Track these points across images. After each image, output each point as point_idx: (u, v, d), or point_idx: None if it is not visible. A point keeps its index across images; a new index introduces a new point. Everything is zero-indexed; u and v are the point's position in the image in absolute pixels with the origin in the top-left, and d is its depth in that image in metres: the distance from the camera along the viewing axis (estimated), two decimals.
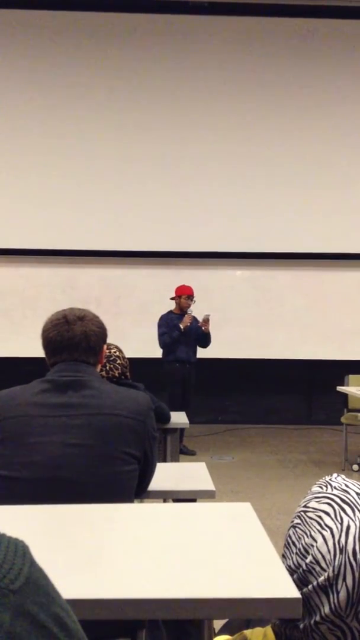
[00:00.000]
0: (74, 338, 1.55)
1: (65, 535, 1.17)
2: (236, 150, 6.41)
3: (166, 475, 1.78)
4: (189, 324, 5.14)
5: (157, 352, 5.48)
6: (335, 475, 0.91)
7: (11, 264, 6.37)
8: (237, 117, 6.41)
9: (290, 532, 0.88)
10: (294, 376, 6.71)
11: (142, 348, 5.66)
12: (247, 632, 0.90)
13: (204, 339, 5.27)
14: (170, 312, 5.33)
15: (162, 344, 5.22)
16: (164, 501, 2.05)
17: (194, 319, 5.21)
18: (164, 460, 2.89)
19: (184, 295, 5.27)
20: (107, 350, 2.46)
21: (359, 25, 6.44)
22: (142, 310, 6.35)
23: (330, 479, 0.90)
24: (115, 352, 2.55)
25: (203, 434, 5.29)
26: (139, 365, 3.59)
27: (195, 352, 5.30)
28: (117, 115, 6.37)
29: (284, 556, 0.90)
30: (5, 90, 6.35)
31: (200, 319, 5.22)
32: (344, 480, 0.88)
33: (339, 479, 0.89)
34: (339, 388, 5.03)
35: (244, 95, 6.42)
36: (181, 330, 5.12)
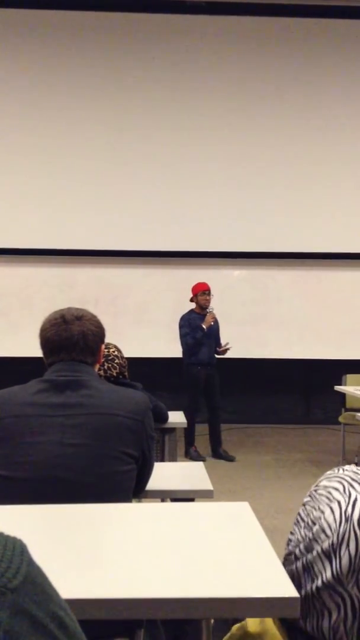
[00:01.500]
0: (72, 338, 1.55)
1: (63, 534, 1.16)
2: (234, 150, 6.41)
3: (164, 474, 1.78)
4: (212, 323, 5.04)
5: (155, 352, 5.49)
6: (351, 465, 0.94)
7: (9, 264, 6.37)
8: (235, 117, 6.41)
9: (300, 510, 0.91)
10: (291, 376, 6.72)
11: (140, 348, 5.67)
12: (244, 622, 0.92)
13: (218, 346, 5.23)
14: (192, 311, 5.20)
15: (185, 346, 5.10)
16: (162, 501, 2.04)
17: (215, 320, 5.13)
18: (162, 459, 2.89)
19: (200, 291, 5.15)
20: (105, 350, 2.46)
21: (358, 25, 6.45)
22: (140, 310, 6.35)
23: (342, 467, 0.94)
24: (113, 351, 2.55)
25: (200, 433, 5.29)
26: (137, 364, 3.59)
27: (214, 354, 5.23)
28: (115, 115, 6.37)
29: (291, 532, 0.92)
30: (3, 90, 6.34)
31: (219, 317, 5.14)
32: (356, 467, 0.92)
33: (351, 466, 0.93)
34: (337, 387, 5.03)
35: (242, 95, 6.43)
36: (204, 331, 5.01)
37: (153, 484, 1.64)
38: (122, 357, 2.58)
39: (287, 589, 0.89)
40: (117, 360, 2.53)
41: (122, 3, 6.31)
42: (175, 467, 2.08)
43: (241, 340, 6.20)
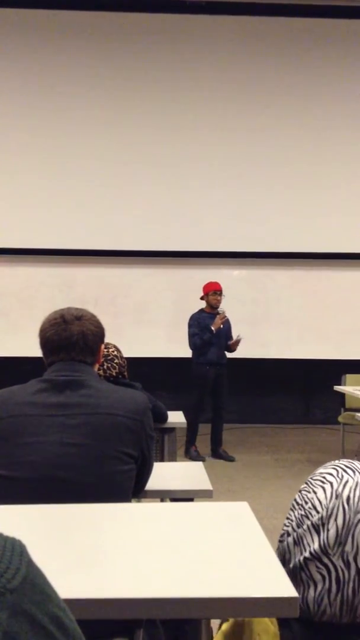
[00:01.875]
0: (72, 337, 1.55)
1: (62, 534, 1.16)
2: (233, 150, 6.41)
3: (163, 474, 1.78)
4: (221, 326, 4.99)
5: (154, 352, 5.49)
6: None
7: (8, 264, 6.37)
8: (234, 117, 6.41)
9: (296, 496, 0.98)
10: (291, 376, 6.72)
11: (140, 347, 5.67)
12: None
13: (229, 346, 5.17)
14: (202, 310, 5.16)
15: (193, 346, 5.06)
16: (161, 501, 2.05)
17: (227, 319, 5.08)
18: (162, 459, 2.89)
19: (211, 291, 5.09)
20: (105, 350, 2.46)
21: (357, 26, 6.45)
22: (140, 310, 6.35)
23: (340, 460, 1.00)
24: (112, 351, 2.55)
25: (200, 433, 5.29)
26: (137, 364, 3.59)
27: (225, 353, 5.19)
28: (115, 114, 6.36)
29: (287, 518, 0.99)
30: (2, 89, 6.33)
31: (231, 318, 5.10)
32: (353, 460, 0.99)
33: (348, 459, 0.99)
34: (336, 387, 5.03)
35: (242, 95, 6.42)
36: (213, 333, 4.97)
37: (152, 483, 1.64)
38: (122, 357, 2.58)
39: (286, 589, 0.89)
40: (116, 360, 2.53)
41: (121, 3, 6.30)
42: (174, 467, 2.08)
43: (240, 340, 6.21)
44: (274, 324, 6.43)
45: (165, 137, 6.37)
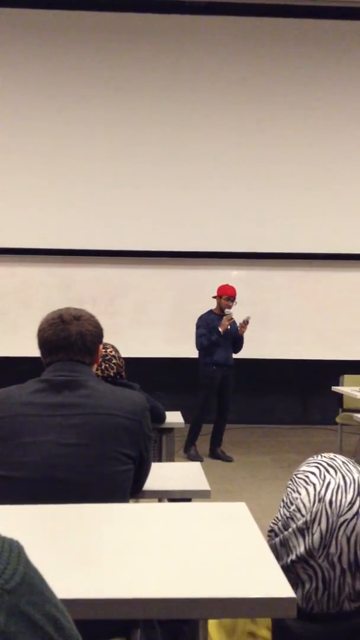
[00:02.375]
0: (70, 338, 1.55)
1: (60, 535, 1.16)
2: (232, 151, 6.41)
3: (161, 475, 1.78)
4: (228, 327, 4.98)
5: (152, 352, 5.48)
6: (329, 453, 1.05)
7: (7, 264, 6.36)
8: (233, 118, 6.42)
9: (284, 494, 1.02)
10: (289, 376, 6.72)
11: (138, 347, 5.67)
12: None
13: (236, 344, 5.14)
14: (211, 311, 5.14)
15: (200, 347, 5.05)
16: (159, 501, 2.05)
17: (233, 321, 5.07)
18: (159, 460, 2.89)
19: (225, 296, 5.07)
20: (103, 350, 2.46)
21: (356, 26, 6.46)
22: (138, 310, 6.35)
23: (322, 454, 1.05)
24: (111, 351, 2.55)
25: (202, 432, 5.30)
26: (135, 364, 3.59)
27: (232, 354, 5.18)
28: (114, 114, 6.36)
29: (276, 517, 1.04)
30: (1, 89, 6.33)
31: (237, 320, 5.07)
32: (335, 455, 1.04)
33: (330, 454, 1.04)
34: (334, 388, 5.04)
35: (240, 96, 6.43)
36: (220, 334, 4.96)
37: (150, 484, 1.64)
38: (120, 357, 2.58)
39: (283, 590, 0.90)
40: (114, 361, 2.53)
41: (120, 3, 6.30)
42: (172, 468, 2.08)
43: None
44: (272, 325, 6.43)
45: (164, 138, 6.37)
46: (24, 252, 6.29)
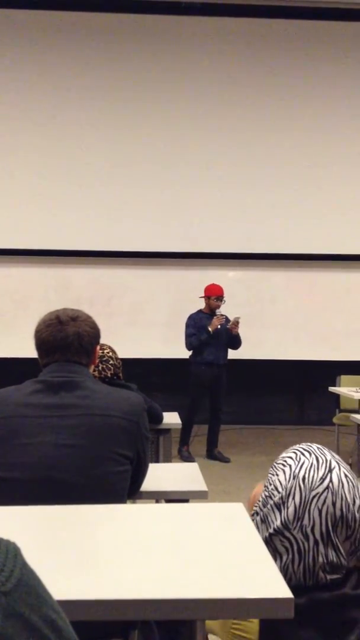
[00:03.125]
0: (67, 338, 1.54)
1: (57, 536, 1.16)
2: (229, 152, 6.42)
3: (158, 475, 1.78)
4: (218, 326, 4.96)
5: (149, 352, 5.48)
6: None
7: (3, 264, 6.35)
8: (230, 118, 6.42)
9: (265, 481, 1.10)
10: (286, 377, 6.72)
11: (135, 348, 5.66)
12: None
13: (233, 342, 5.11)
14: (200, 311, 5.14)
15: (189, 346, 5.04)
16: (157, 502, 2.04)
17: (225, 319, 5.03)
18: (157, 460, 2.88)
19: (213, 296, 5.08)
20: (100, 351, 2.46)
21: (355, 27, 6.47)
22: (135, 311, 6.35)
23: (301, 444, 1.12)
24: (108, 352, 2.55)
25: (196, 434, 5.30)
26: (132, 365, 3.59)
27: (225, 354, 5.14)
28: (111, 115, 6.36)
29: (258, 500, 1.10)
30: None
31: (231, 318, 5.05)
32: (312, 443, 1.11)
33: (307, 443, 1.11)
34: (331, 389, 5.04)
35: (239, 96, 6.43)
36: (210, 333, 4.95)
37: (147, 485, 1.64)
38: (117, 358, 2.58)
39: (281, 590, 0.90)
40: (111, 361, 2.53)
41: (117, 5, 6.31)
42: (169, 468, 2.08)
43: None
44: (269, 325, 6.43)
45: (161, 139, 6.37)
46: (20, 252, 6.29)
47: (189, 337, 5.02)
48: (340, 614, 0.96)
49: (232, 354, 5.30)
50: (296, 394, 6.85)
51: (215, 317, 4.99)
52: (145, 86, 6.36)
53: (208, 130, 6.39)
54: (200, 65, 6.39)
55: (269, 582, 0.92)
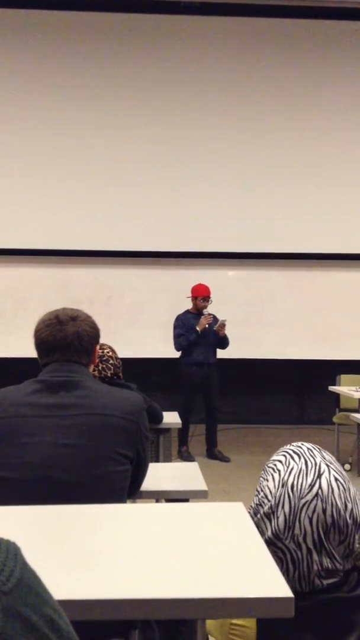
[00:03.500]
0: (67, 338, 1.54)
1: (57, 535, 1.16)
2: (229, 151, 6.42)
3: (158, 475, 1.78)
4: (206, 326, 4.99)
5: (149, 352, 5.48)
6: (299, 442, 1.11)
7: (3, 264, 6.35)
8: (231, 118, 6.42)
9: (257, 483, 1.09)
10: (286, 376, 6.73)
11: (135, 348, 5.66)
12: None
13: (221, 342, 5.13)
14: (187, 311, 5.17)
15: (178, 347, 5.07)
16: (157, 501, 2.04)
17: (214, 318, 5.05)
18: (157, 460, 2.89)
19: (199, 297, 5.11)
20: (100, 350, 2.46)
21: (356, 26, 6.47)
22: (135, 310, 6.35)
23: (292, 443, 1.11)
24: (107, 352, 2.55)
25: (195, 434, 5.29)
26: (132, 365, 3.59)
27: (214, 353, 5.16)
28: (110, 114, 6.36)
29: (250, 506, 1.10)
30: None
31: (219, 317, 5.08)
32: (303, 443, 1.09)
33: (298, 442, 1.10)
34: (331, 388, 5.04)
35: (238, 95, 6.43)
36: (198, 333, 4.98)
37: (147, 484, 1.64)
38: (117, 358, 2.58)
39: (281, 589, 0.90)
40: (111, 361, 2.53)
41: (116, 4, 6.30)
42: (169, 468, 2.08)
43: (235, 341, 6.20)
44: (268, 325, 6.43)
45: (162, 138, 6.37)
46: (20, 252, 6.28)
47: (177, 337, 5.06)
48: (338, 616, 0.95)
49: (231, 354, 5.31)
50: (296, 393, 6.86)
51: (202, 317, 5.01)
52: (144, 86, 6.36)
53: (207, 130, 6.39)
54: (200, 65, 6.39)
55: (269, 582, 0.92)
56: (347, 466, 4.83)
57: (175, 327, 5.11)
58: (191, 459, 4.99)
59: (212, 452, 5.20)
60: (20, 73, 6.31)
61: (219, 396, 5.24)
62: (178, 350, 5.11)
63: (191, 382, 5.08)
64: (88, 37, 6.33)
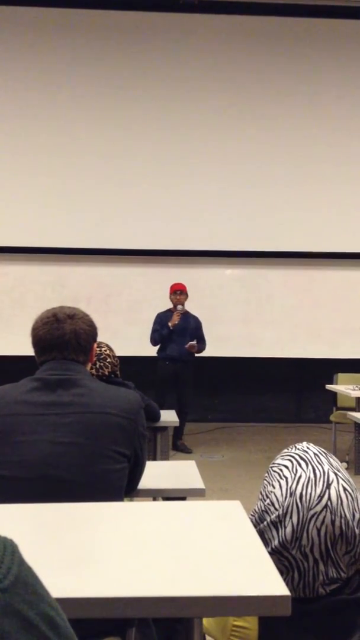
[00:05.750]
0: (64, 336, 1.54)
1: (54, 534, 1.16)
2: (227, 149, 6.41)
3: (156, 473, 1.78)
4: (177, 322, 5.15)
5: (147, 351, 5.48)
6: (304, 443, 1.09)
7: (0, 262, 6.34)
8: (228, 116, 6.42)
9: (261, 486, 1.07)
10: (283, 374, 6.73)
11: (132, 346, 5.66)
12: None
13: (198, 349, 5.25)
14: (168, 310, 5.35)
15: (153, 342, 5.26)
16: (154, 499, 2.05)
17: (194, 318, 5.18)
18: (154, 458, 2.89)
19: (171, 292, 5.32)
20: (97, 349, 2.46)
21: (353, 25, 6.47)
22: (132, 309, 6.35)
23: (297, 444, 1.08)
24: (105, 350, 2.55)
25: (193, 432, 5.30)
26: (129, 363, 3.59)
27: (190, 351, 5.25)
28: (108, 113, 6.35)
29: (254, 509, 1.08)
30: None
31: (198, 314, 5.25)
32: (308, 444, 1.07)
33: (304, 444, 1.07)
34: (328, 386, 5.05)
35: (236, 94, 6.43)
36: (170, 328, 5.12)
37: (145, 482, 1.64)
38: (114, 356, 2.58)
39: (278, 588, 0.90)
40: (109, 359, 2.53)
41: (115, 2, 6.29)
42: (167, 466, 2.08)
43: (233, 339, 6.23)
44: (266, 323, 6.44)
45: (159, 137, 6.37)
46: (17, 250, 6.28)
47: (152, 333, 5.25)
48: (340, 618, 0.95)
49: (229, 352, 5.32)
50: (293, 391, 6.86)
51: (174, 313, 5.16)
52: (143, 84, 6.35)
53: (206, 128, 6.38)
54: (199, 63, 6.38)
55: (266, 580, 0.92)
56: (344, 464, 4.84)
57: (153, 323, 5.28)
58: (188, 450, 5.16)
59: (175, 444, 5.29)
60: (17, 71, 6.30)
61: (191, 393, 5.32)
62: (153, 345, 5.28)
63: (163, 377, 5.19)
64: (84, 35, 6.32)
